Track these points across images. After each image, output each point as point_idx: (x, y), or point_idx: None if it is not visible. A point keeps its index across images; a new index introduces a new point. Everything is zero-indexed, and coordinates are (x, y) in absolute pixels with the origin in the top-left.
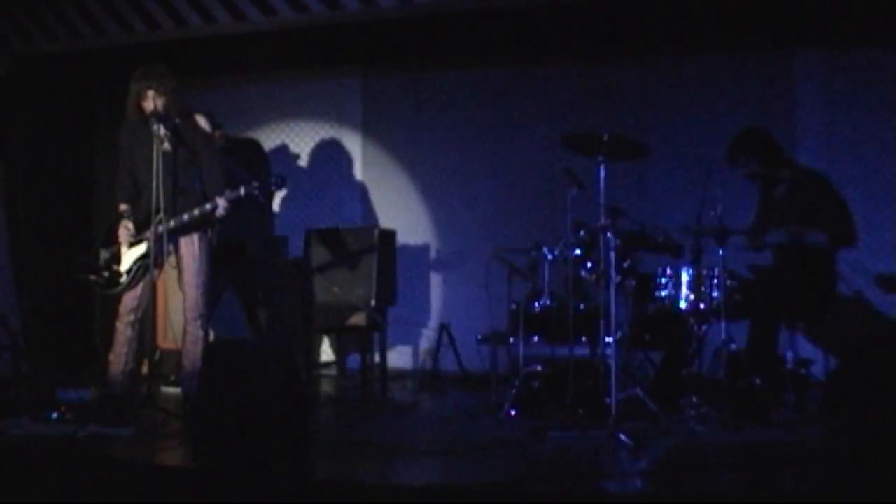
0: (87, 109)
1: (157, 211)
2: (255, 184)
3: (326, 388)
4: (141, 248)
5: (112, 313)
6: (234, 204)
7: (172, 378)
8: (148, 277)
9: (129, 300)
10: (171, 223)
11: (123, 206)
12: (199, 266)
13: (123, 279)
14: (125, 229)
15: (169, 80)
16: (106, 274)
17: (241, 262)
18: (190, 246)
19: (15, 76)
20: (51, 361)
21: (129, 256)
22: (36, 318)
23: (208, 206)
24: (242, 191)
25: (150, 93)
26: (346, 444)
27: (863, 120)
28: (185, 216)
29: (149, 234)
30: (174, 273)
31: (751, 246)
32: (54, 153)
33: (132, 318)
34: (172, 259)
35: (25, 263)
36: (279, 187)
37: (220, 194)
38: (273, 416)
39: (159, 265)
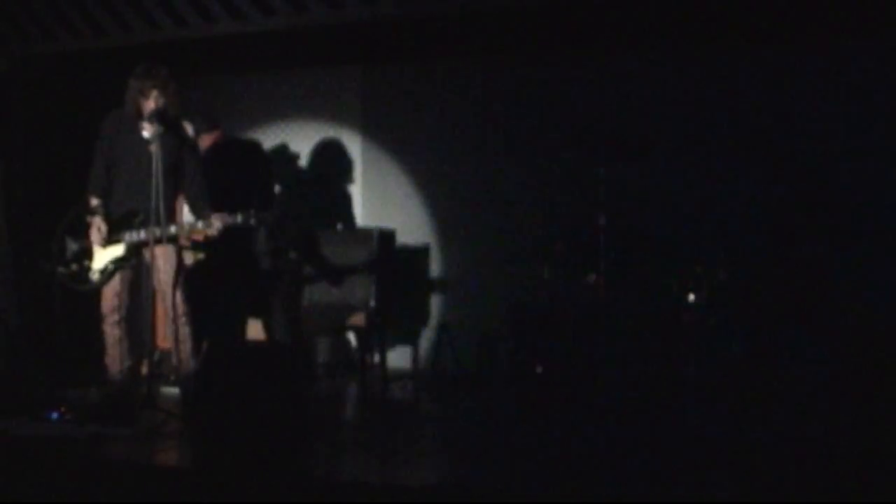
0: (87, 109)
1: (137, 215)
2: (252, 212)
3: (327, 388)
4: (118, 250)
5: (94, 313)
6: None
7: (172, 378)
8: (126, 275)
9: (110, 300)
10: (143, 233)
11: (95, 201)
12: (171, 266)
13: (96, 277)
14: (98, 232)
15: (171, 81)
16: (74, 267)
17: (239, 262)
18: (160, 247)
19: (15, 76)
20: (51, 361)
21: (105, 255)
22: (36, 317)
23: (200, 225)
24: (239, 219)
25: (155, 93)
26: (346, 444)
27: (862, 119)
28: (173, 228)
29: (127, 236)
30: None
31: None
32: (54, 153)
33: (116, 317)
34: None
35: (25, 263)
36: (276, 223)
37: (206, 203)
38: (273, 416)
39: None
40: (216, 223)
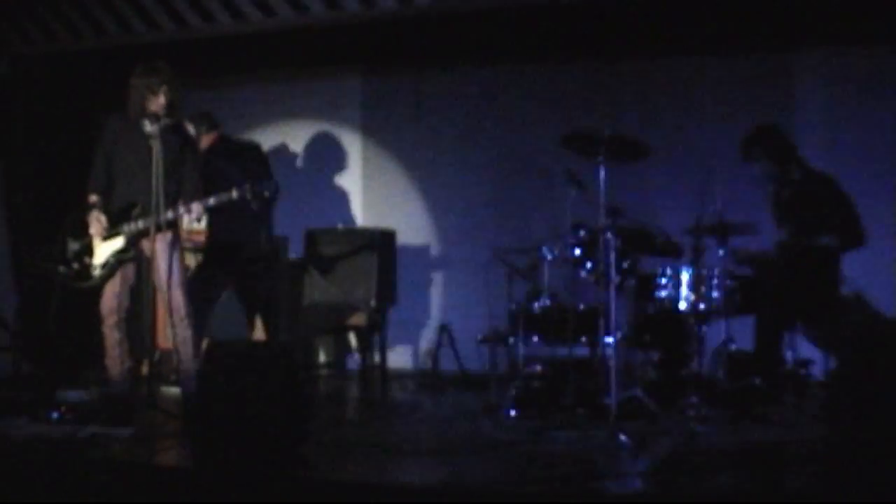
0: (88, 109)
1: (135, 206)
2: (247, 187)
3: (326, 388)
4: (118, 242)
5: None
6: (217, 207)
7: (172, 378)
8: (126, 275)
9: (109, 302)
10: (141, 223)
11: (94, 198)
12: (169, 264)
13: (98, 272)
14: (98, 222)
15: (176, 77)
16: (76, 266)
17: (240, 262)
18: (157, 244)
19: (15, 76)
20: (51, 361)
21: (105, 250)
22: (36, 318)
23: (181, 210)
24: (235, 194)
25: (165, 87)
26: (346, 444)
27: (863, 120)
28: (170, 213)
29: (126, 228)
30: None
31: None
32: (54, 153)
33: (115, 318)
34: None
35: (25, 263)
36: (272, 193)
37: (196, 200)
38: (273, 417)
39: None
40: (195, 206)
